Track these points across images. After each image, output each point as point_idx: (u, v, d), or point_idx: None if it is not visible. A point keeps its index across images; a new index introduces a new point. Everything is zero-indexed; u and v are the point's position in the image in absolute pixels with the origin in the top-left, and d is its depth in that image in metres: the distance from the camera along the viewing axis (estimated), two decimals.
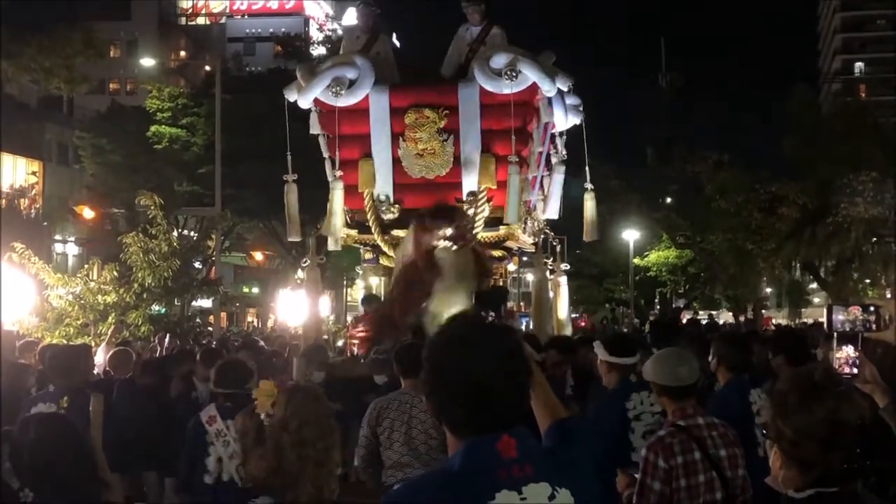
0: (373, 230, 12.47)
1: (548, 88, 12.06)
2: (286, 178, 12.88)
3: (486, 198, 12.09)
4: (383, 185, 12.44)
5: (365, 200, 12.43)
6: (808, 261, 34.32)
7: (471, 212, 11.86)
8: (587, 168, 14.15)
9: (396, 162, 12.36)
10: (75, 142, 41.35)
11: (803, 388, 2.91)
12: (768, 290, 46.67)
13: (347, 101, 12.11)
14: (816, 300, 48.35)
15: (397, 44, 37.08)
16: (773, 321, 39.97)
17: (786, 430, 2.86)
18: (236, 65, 44.52)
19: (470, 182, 12.12)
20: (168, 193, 28.77)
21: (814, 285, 42.79)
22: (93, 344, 15.16)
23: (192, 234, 35.50)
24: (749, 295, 39.28)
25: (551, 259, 14.71)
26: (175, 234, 23.70)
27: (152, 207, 18.50)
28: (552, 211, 13.92)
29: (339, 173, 12.20)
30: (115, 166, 38.00)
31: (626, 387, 6.32)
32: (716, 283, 42.04)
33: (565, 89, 12.86)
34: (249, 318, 57.78)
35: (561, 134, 13.87)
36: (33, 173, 43.88)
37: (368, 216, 12.49)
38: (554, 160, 13.80)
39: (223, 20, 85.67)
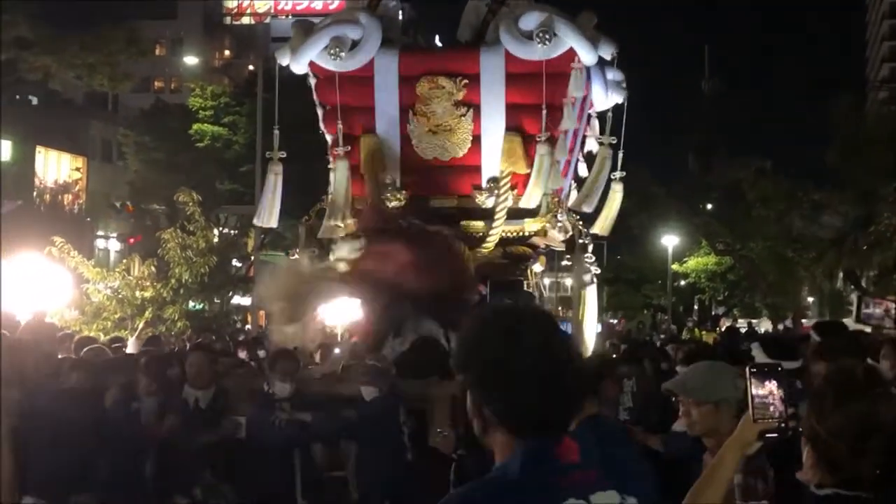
0: None
1: (588, 56, 10.19)
2: (270, 156, 11.24)
3: (509, 184, 10.26)
4: (389, 168, 10.54)
5: (367, 185, 10.54)
6: (850, 270, 33.99)
7: (490, 201, 10.24)
8: (620, 154, 11.96)
9: (405, 140, 10.52)
10: (119, 139, 41.78)
11: (841, 388, 2.84)
12: (810, 299, 46.21)
13: (349, 65, 10.30)
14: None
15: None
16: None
17: (820, 430, 2.79)
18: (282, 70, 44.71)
19: (491, 165, 10.36)
20: (209, 191, 28.98)
21: (856, 294, 42.35)
22: (129, 338, 15.32)
23: (232, 231, 35.74)
24: (789, 303, 38.92)
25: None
26: (215, 231, 23.90)
27: (191, 204, 18.64)
28: (589, 204, 11.79)
29: (342, 150, 10.45)
30: (157, 163, 38.34)
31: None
32: (755, 291, 41.67)
33: (608, 58, 10.76)
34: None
35: (600, 115, 11.86)
36: (77, 169, 44.37)
37: (370, 203, 10.50)
38: (596, 143, 11.69)
39: (268, 20, 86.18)
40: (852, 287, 38.15)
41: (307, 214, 11.03)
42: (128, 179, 42.04)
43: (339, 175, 10.53)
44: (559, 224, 10.98)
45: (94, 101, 46.93)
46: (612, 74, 11.45)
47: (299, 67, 10.62)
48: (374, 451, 7.64)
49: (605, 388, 6.95)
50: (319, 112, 10.87)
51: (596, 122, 11.80)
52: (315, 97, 10.85)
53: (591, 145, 11.71)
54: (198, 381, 7.94)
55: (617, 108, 11.71)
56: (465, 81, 10.34)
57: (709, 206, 39.45)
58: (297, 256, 11.15)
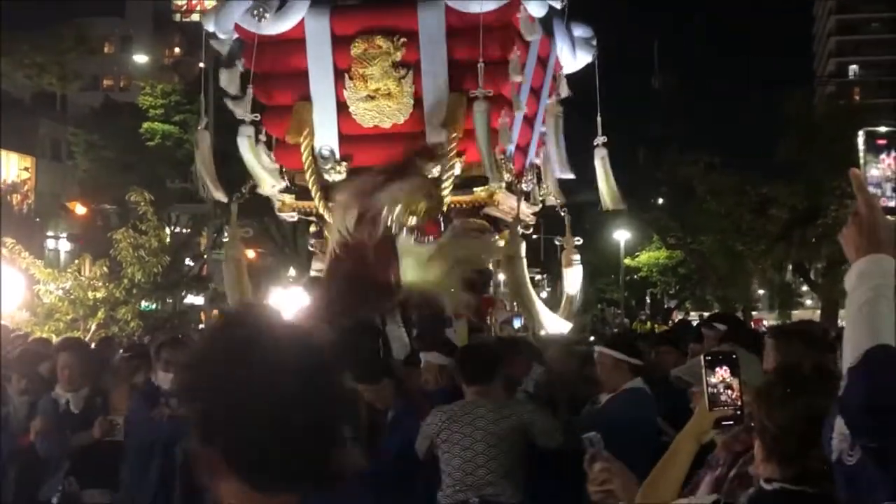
0: (313, 195, 9.79)
1: (534, 5, 9.49)
2: (200, 126, 10.69)
3: (455, 150, 9.42)
4: (326, 137, 9.78)
5: (303, 156, 9.75)
6: (799, 262, 34.49)
7: (436, 170, 9.36)
8: (598, 119, 11.19)
9: (342, 107, 9.74)
10: (68, 138, 41.38)
11: (788, 382, 2.86)
12: (760, 291, 46.82)
13: (275, 27, 9.59)
14: (808, 302, 48.51)
15: None
16: (765, 322, 40.13)
17: (769, 425, 2.80)
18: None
19: (435, 131, 9.52)
20: (160, 190, 28.80)
21: (805, 287, 42.95)
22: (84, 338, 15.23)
23: (185, 231, 35.54)
24: (739, 296, 39.41)
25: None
26: (167, 230, 23.77)
27: (142, 204, 18.54)
28: (562, 168, 10.99)
29: (249, 117, 9.74)
30: (107, 163, 38.02)
31: None
32: (706, 284, 42.17)
33: (558, 6, 10.05)
34: None
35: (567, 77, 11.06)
36: (26, 169, 43.88)
37: (307, 177, 9.80)
38: (548, 101, 10.90)
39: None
40: (801, 279, 38.72)
41: (238, 191, 10.40)
42: (77, 179, 41.66)
43: (243, 143, 9.88)
44: (523, 192, 10.28)
45: (42, 101, 46.41)
46: (580, 31, 10.77)
47: (223, 31, 9.90)
48: None
49: (514, 364, 6.74)
50: (232, 76, 10.08)
51: (564, 84, 11.04)
52: (243, 64, 10.03)
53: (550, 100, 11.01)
54: (68, 383, 7.07)
55: (589, 70, 11.07)
56: (404, 40, 9.56)
57: (659, 201, 39.82)
58: (227, 237, 10.15)
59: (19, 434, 7.16)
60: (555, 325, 10.21)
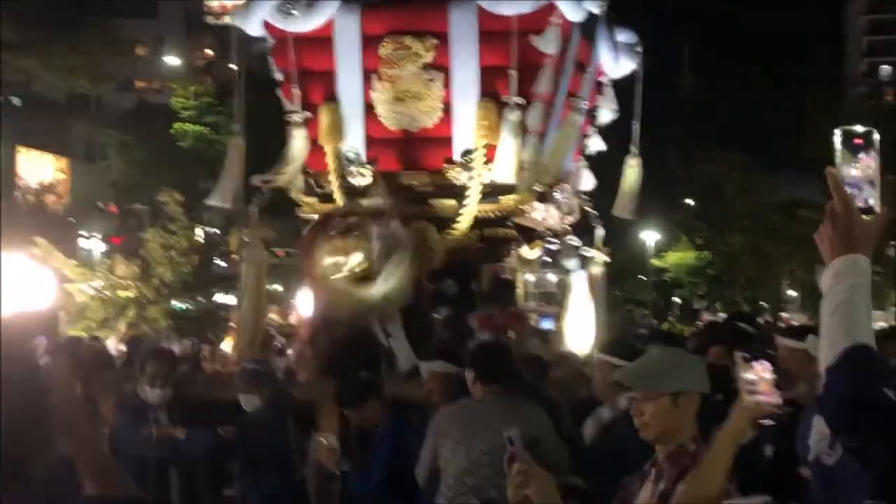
0: (337, 199, 9.43)
1: (570, 9, 9.00)
2: (234, 130, 10.37)
3: (484, 158, 9.08)
4: (352, 139, 9.45)
5: (328, 158, 9.45)
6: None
7: (464, 177, 9.14)
8: (634, 126, 10.70)
9: (369, 109, 9.41)
10: (102, 139, 41.81)
11: None
12: (791, 292, 46.57)
13: (304, 25, 9.32)
14: None
15: None
16: (794, 324, 39.92)
17: None
18: (262, 64, 44.79)
19: (464, 137, 9.17)
20: (193, 191, 29.10)
21: None
22: (113, 338, 15.49)
23: (216, 231, 35.85)
24: (769, 297, 39.24)
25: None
26: (199, 231, 24.04)
27: (172, 204, 18.81)
28: (584, 181, 10.53)
29: (299, 117, 9.52)
30: (140, 163, 38.40)
31: None
32: (735, 285, 42.03)
33: (597, 12, 9.40)
34: (272, 315, 58.10)
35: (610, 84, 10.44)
36: (60, 170, 44.35)
37: (332, 180, 9.42)
38: (610, 115, 10.45)
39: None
40: None
41: (258, 192, 9.99)
42: (111, 179, 42.09)
43: (294, 144, 9.57)
44: (556, 203, 9.89)
45: (77, 102, 46.90)
46: (623, 36, 10.23)
47: (252, 28, 9.64)
48: (259, 471, 6.81)
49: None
50: (278, 80, 9.86)
51: (611, 92, 10.51)
52: (272, 63, 9.84)
53: (606, 117, 10.56)
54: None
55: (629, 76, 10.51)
56: (435, 41, 9.21)
57: (688, 201, 39.74)
58: (247, 238, 9.81)
59: None
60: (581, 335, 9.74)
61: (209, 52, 78.47)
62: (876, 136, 2.37)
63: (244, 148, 9.98)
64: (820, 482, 2.65)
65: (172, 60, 50.28)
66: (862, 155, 2.35)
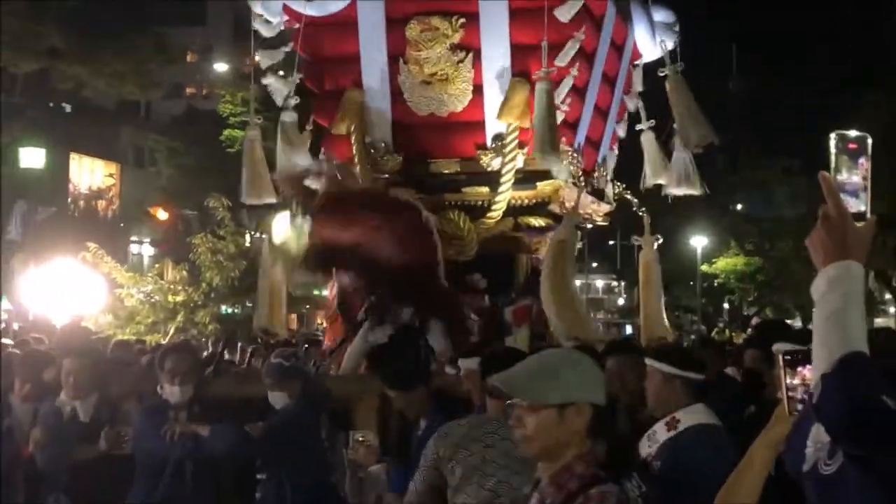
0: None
1: None
2: (250, 120, 10.01)
3: (517, 142, 8.58)
4: (379, 127, 9.04)
5: (354, 148, 8.95)
6: (880, 269, 33.84)
7: (496, 162, 8.66)
8: (640, 107, 10.11)
9: (396, 94, 8.98)
10: (151, 145, 42.23)
11: None
12: None
13: (324, 8, 8.94)
14: (892, 310, 47.46)
15: None
16: None
17: None
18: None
19: (496, 120, 8.65)
20: (240, 196, 29.23)
21: (888, 295, 42.13)
22: (162, 341, 15.59)
23: (264, 236, 36.06)
24: None
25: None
26: (248, 236, 24.18)
27: (221, 209, 18.92)
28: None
29: (293, 100, 9.15)
30: (189, 169, 38.74)
31: None
32: (786, 291, 41.57)
33: None
34: (319, 320, 58.35)
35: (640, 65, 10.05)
36: (110, 175, 44.84)
37: (358, 168, 8.94)
38: (634, 100, 10.06)
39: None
40: (883, 286, 37.99)
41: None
42: (160, 185, 42.50)
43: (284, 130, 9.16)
44: (589, 185, 9.40)
45: (126, 109, 47.39)
46: (661, 15, 9.79)
47: (271, 14, 9.19)
48: (290, 473, 6.30)
49: None
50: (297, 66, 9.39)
51: (639, 74, 10.08)
52: (294, 49, 9.32)
53: (631, 105, 10.11)
54: (73, 390, 6.39)
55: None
56: (463, 21, 8.79)
57: (737, 206, 39.36)
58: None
59: (24, 444, 6.53)
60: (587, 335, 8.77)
61: (257, 58, 79.13)
62: (869, 141, 2.33)
63: (260, 139, 9.63)
64: (816, 492, 2.53)
65: (220, 67, 50.65)
66: (856, 159, 2.33)
